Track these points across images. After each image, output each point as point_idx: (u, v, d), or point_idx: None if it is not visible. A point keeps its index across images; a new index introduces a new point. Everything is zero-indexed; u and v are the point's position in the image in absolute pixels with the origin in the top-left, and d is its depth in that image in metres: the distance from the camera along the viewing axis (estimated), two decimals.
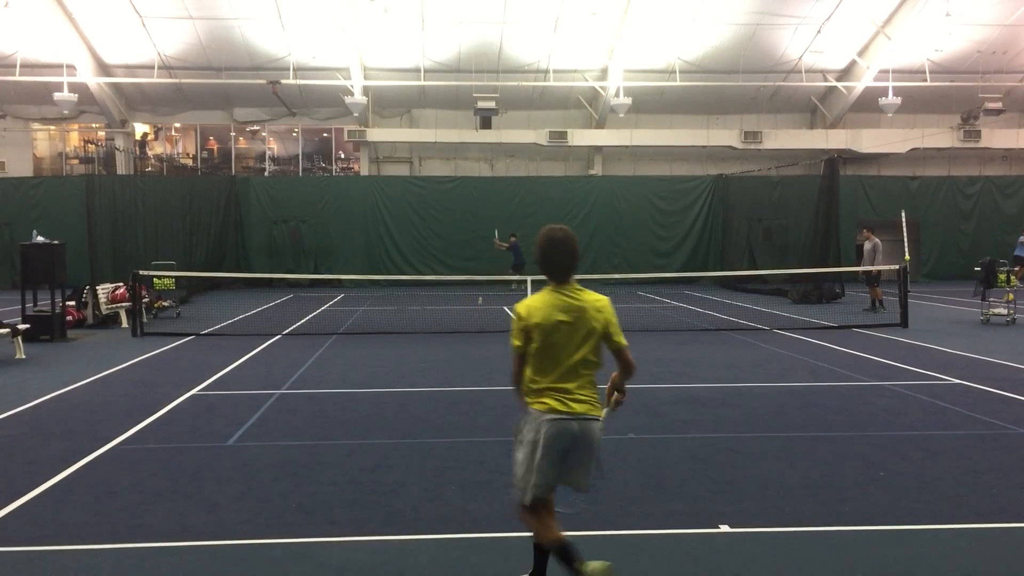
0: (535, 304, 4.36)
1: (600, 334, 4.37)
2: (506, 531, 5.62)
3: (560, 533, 4.41)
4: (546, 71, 30.94)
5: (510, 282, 26.91)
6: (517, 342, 4.38)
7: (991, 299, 18.25)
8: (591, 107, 32.82)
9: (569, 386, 4.32)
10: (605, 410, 4.49)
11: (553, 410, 4.29)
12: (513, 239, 27.78)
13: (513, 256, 27.61)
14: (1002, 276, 18.23)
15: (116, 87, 31.60)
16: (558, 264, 4.40)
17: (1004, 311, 17.78)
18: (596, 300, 4.41)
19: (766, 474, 6.88)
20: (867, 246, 21.46)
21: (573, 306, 4.35)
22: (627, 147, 33.12)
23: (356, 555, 5.21)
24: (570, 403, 4.30)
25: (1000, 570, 4.94)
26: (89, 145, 33.53)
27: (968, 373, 11.52)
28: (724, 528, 5.59)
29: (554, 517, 4.48)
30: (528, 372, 4.39)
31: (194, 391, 10.59)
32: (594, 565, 4.28)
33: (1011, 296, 17.93)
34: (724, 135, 32.93)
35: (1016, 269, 27.93)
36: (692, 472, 6.94)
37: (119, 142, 32.60)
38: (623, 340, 4.44)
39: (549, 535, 4.40)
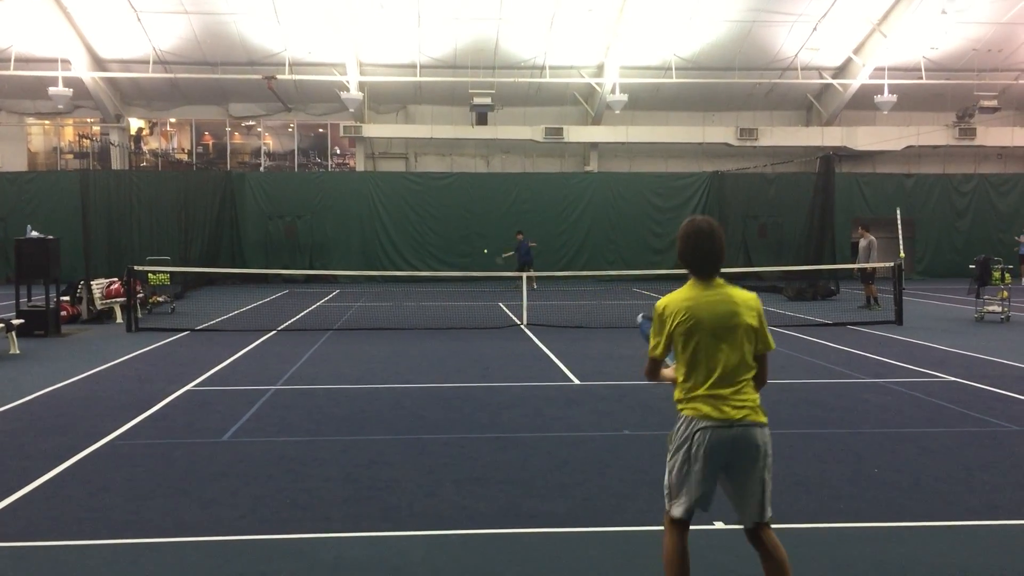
0: (679, 300, 4.05)
1: (754, 334, 4.04)
2: (501, 527, 5.62)
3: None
4: (542, 67, 30.90)
5: (531, 280, 26.49)
6: (655, 340, 4.09)
7: (985, 297, 18.29)
8: (587, 104, 32.79)
9: (725, 391, 3.98)
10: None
11: (707, 416, 3.97)
12: (520, 237, 27.46)
13: (518, 256, 27.16)
14: (996, 274, 18.27)
15: (111, 82, 31.50)
16: (706, 257, 4.05)
17: (998, 309, 17.82)
18: (748, 297, 4.09)
19: None
20: (862, 243, 21.48)
21: (729, 302, 4.05)
22: (623, 144, 33.10)
23: (351, 551, 5.21)
24: (726, 409, 3.95)
25: (995, 567, 4.95)
26: (84, 140, 33.43)
27: (963, 371, 11.54)
28: (719, 525, 5.60)
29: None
30: (677, 376, 4.12)
31: (189, 386, 10.57)
32: None
33: (1005, 294, 17.97)
34: (720, 132, 32.92)
35: None
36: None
37: (114, 137, 32.50)
38: (772, 344, 4.13)
39: (676, 570, 4.02)
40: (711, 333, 3.98)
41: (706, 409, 3.97)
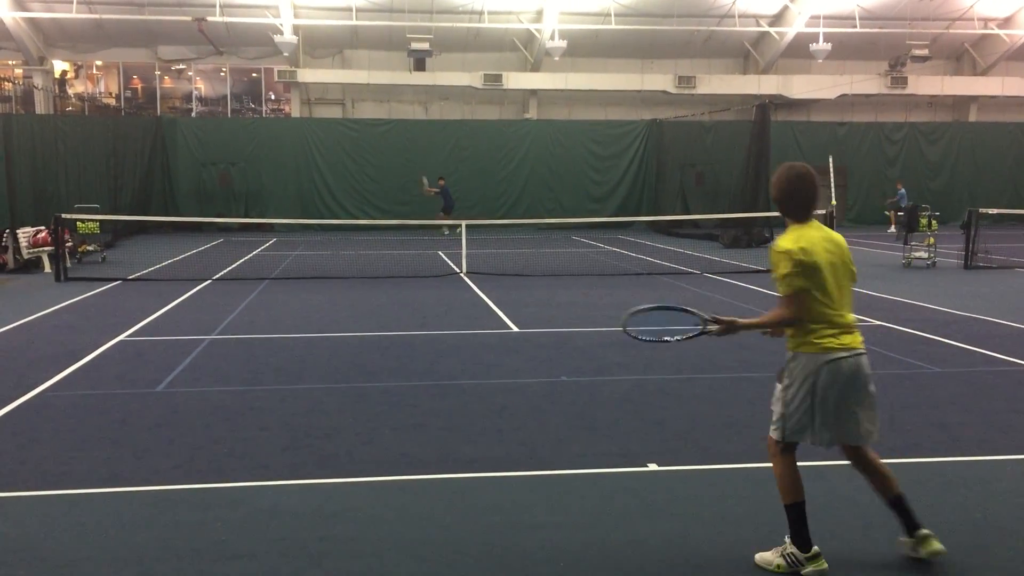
0: (806, 242, 4.20)
1: (850, 269, 4.33)
2: (439, 473, 5.68)
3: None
4: (481, 12, 30.49)
5: (442, 226, 26.84)
6: (800, 282, 4.18)
7: (913, 243, 18.78)
8: (526, 50, 32.52)
9: (847, 322, 4.24)
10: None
11: (838, 348, 4.17)
12: (442, 183, 27.80)
13: (443, 200, 27.63)
14: (923, 221, 18.76)
15: (33, 22, 30.25)
16: (807, 199, 4.30)
17: (925, 255, 18.34)
18: (840, 236, 4.41)
19: (694, 414, 7.06)
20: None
21: (833, 240, 4.32)
22: (562, 91, 32.96)
23: (290, 498, 5.23)
24: (847, 339, 4.20)
25: (913, 502, 5.15)
26: (5, 83, 32.14)
27: (889, 315, 11.89)
28: (652, 467, 5.74)
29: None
30: (795, 314, 4.23)
31: (121, 337, 10.40)
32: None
33: (932, 240, 18.48)
34: (658, 80, 32.95)
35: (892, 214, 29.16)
36: (623, 413, 7.08)
37: (38, 80, 31.33)
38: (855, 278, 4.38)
39: (796, 491, 4.28)
40: (832, 270, 4.21)
41: (838, 343, 4.17)
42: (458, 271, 17.13)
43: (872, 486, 4.46)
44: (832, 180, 22.46)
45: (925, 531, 4.31)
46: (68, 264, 16.64)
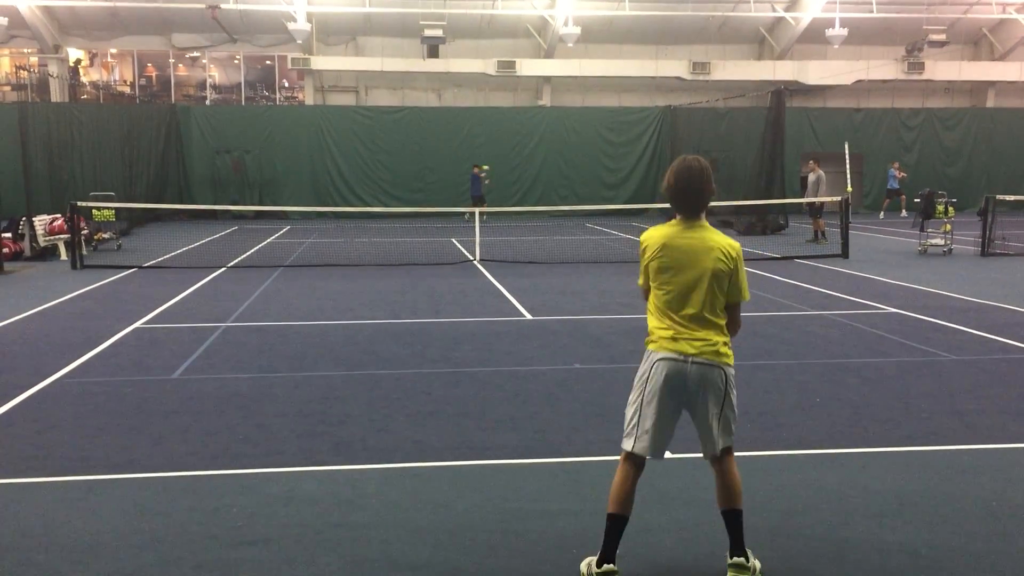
0: (657, 235, 4.04)
1: (726, 280, 3.97)
2: (453, 460, 5.70)
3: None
4: None
5: (462, 213, 26.79)
6: (640, 278, 4.15)
7: (929, 230, 18.67)
8: (540, 36, 32.40)
9: (685, 330, 3.98)
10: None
11: (667, 351, 3.99)
12: (476, 170, 27.85)
13: (472, 187, 27.76)
14: (940, 208, 18.63)
15: (48, 10, 30.35)
16: (688, 196, 3.96)
17: (941, 242, 18.22)
18: (727, 243, 3.99)
19: None
20: (811, 178, 21.72)
21: (702, 244, 3.96)
22: (576, 78, 32.85)
23: (304, 485, 5.26)
24: (684, 345, 3.96)
25: (929, 490, 5.15)
26: (21, 71, 32.29)
27: (905, 302, 11.83)
28: (666, 454, 5.72)
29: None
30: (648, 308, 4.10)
31: (137, 324, 10.46)
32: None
33: (948, 227, 18.35)
34: (673, 66, 32.79)
35: (886, 201, 29.17)
36: None
37: (53, 68, 31.45)
38: (746, 295, 4.07)
39: (619, 503, 4.07)
40: (679, 272, 3.97)
41: (667, 347, 3.98)
42: (472, 258, 17.14)
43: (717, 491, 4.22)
44: (848, 167, 22.30)
45: (740, 561, 4.04)
46: (84, 252, 16.74)
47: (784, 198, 23.85)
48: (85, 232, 17.94)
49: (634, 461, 4.10)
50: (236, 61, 33.70)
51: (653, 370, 4.00)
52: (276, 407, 6.89)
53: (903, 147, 32.96)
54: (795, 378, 7.76)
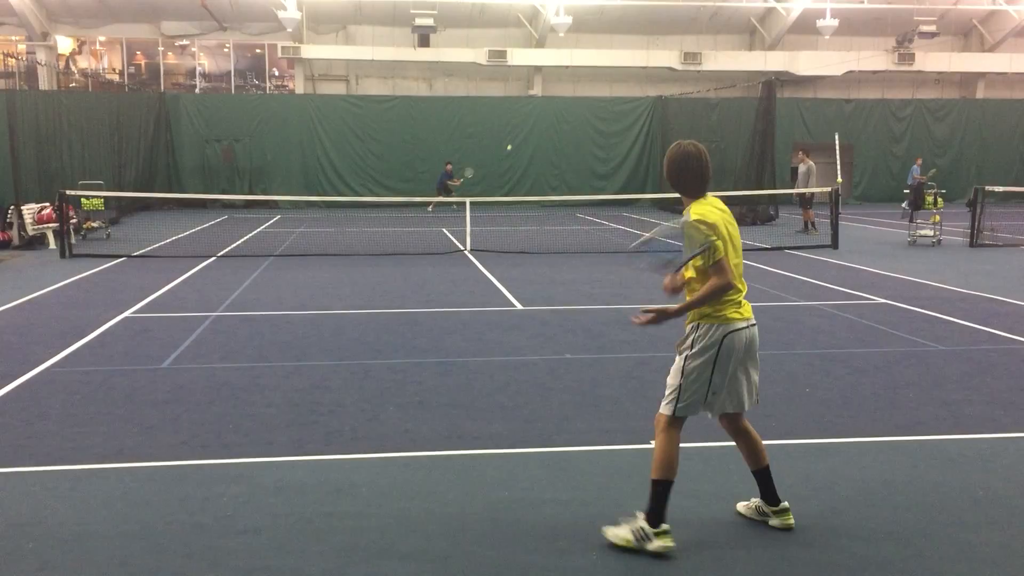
0: (717, 212, 4.27)
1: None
2: (443, 449, 5.71)
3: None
4: None
5: (451, 203, 26.85)
6: (720, 243, 4.15)
7: (918, 221, 18.73)
8: (531, 25, 32.35)
9: (743, 296, 4.34)
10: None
11: (737, 319, 4.27)
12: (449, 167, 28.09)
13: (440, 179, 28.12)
14: (929, 199, 18.70)
15: None
16: (703, 176, 4.33)
17: (930, 232, 18.29)
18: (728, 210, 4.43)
19: None
20: (801, 168, 21.76)
21: (728, 212, 4.39)
22: (567, 67, 32.82)
23: (294, 474, 5.26)
24: (747, 311, 4.34)
25: (917, 479, 5.19)
26: (9, 59, 32.07)
27: (894, 293, 11.88)
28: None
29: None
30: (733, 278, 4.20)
31: (127, 313, 10.42)
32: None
33: (937, 218, 18.42)
34: (664, 56, 32.78)
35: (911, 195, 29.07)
36: (626, 391, 7.09)
37: (41, 56, 31.25)
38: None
39: (670, 468, 4.26)
40: (731, 241, 4.28)
41: (735, 314, 4.26)
42: (462, 248, 17.13)
43: (742, 453, 4.54)
44: (838, 157, 22.35)
45: (785, 504, 4.47)
46: (73, 241, 16.67)
47: (775, 189, 23.89)
48: (74, 221, 17.86)
49: (680, 425, 4.35)
50: (226, 49, 33.55)
51: (725, 343, 4.23)
52: (266, 397, 6.88)
53: (893, 138, 33.05)
54: (785, 368, 7.79)
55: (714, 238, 4.09)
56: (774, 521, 4.46)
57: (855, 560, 4.16)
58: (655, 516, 4.21)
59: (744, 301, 4.31)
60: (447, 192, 27.53)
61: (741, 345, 4.27)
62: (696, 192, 4.34)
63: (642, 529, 4.20)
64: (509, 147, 29.25)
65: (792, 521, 4.45)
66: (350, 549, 4.27)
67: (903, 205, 28.34)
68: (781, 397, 6.88)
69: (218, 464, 5.43)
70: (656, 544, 4.17)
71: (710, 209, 4.24)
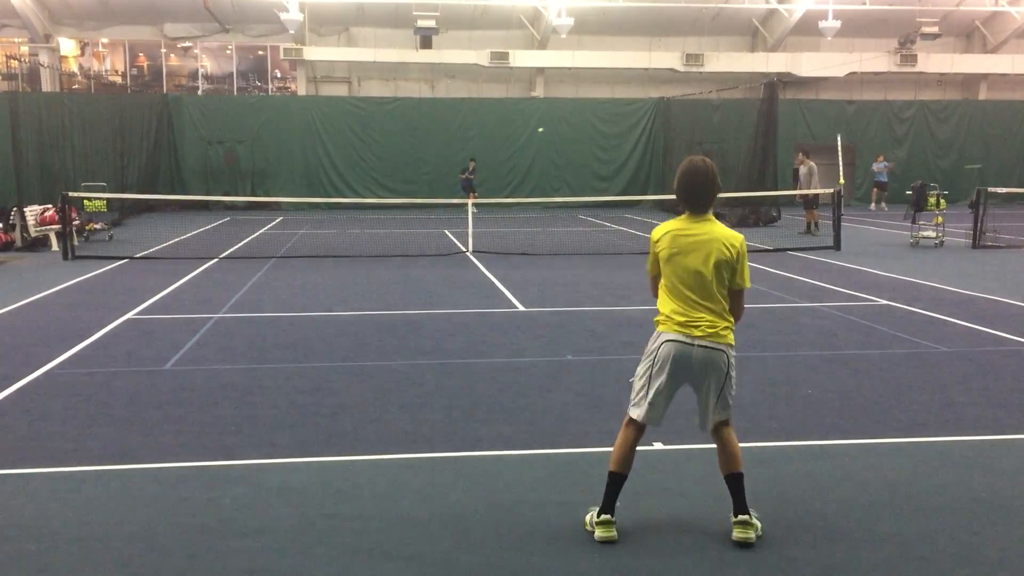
0: (665, 228, 4.44)
1: (730, 269, 4.35)
2: (445, 451, 5.71)
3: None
4: None
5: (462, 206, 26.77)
6: (648, 266, 4.53)
7: (920, 222, 18.71)
8: (533, 27, 32.36)
9: (691, 315, 4.33)
10: None
11: (675, 333, 4.34)
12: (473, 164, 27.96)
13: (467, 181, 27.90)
14: (932, 200, 18.68)
15: None
16: (694, 193, 4.38)
17: (933, 234, 18.27)
18: (730, 235, 4.40)
19: None
20: (803, 170, 21.74)
21: (706, 237, 4.34)
22: (569, 69, 32.83)
23: (297, 476, 5.26)
24: (690, 330, 4.30)
25: (920, 481, 5.18)
26: (12, 61, 32.14)
27: (896, 294, 11.87)
28: (658, 446, 5.75)
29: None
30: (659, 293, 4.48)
31: (129, 315, 10.44)
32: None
33: (940, 219, 18.40)
34: (666, 57, 32.79)
35: (874, 191, 29.40)
36: (628, 392, 7.06)
37: (43, 58, 31.30)
38: (747, 282, 4.43)
39: (619, 461, 4.47)
40: (686, 261, 4.32)
41: (674, 328, 4.33)
42: (464, 250, 17.13)
43: (719, 458, 4.53)
44: (840, 159, 22.33)
45: (744, 517, 4.33)
46: (75, 242, 16.69)
47: (776, 190, 23.87)
48: (77, 223, 17.88)
49: (636, 426, 4.47)
50: (228, 51, 33.59)
51: (661, 349, 4.36)
52: (268, 398, 6.88)
53: (895, 139, 33.02)
54: (786, 370, 7.78)
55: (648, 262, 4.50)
56: (734, 530, 4.32)
57: (857, 562, 4.16)
58: (604, 505, 4.40)
59: (689, 322, 4.30)
60: (472, 191, 27.34)
61: (682, 359, 4.30)
62: (687, 207, 4.44)
63: (591, 515, 4.42)
64: (541, 129, 29.25)
65: (749, 535, 4.27)
66: (352, 551, 4.27)
67: (872, 206, 28.62)
68: (783, 399, 6.88)
69: (220, 466, 5.44)
70: (597, 532, 4.35)
71: (667, 227, 4.44)
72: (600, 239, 19.90)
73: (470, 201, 23.99)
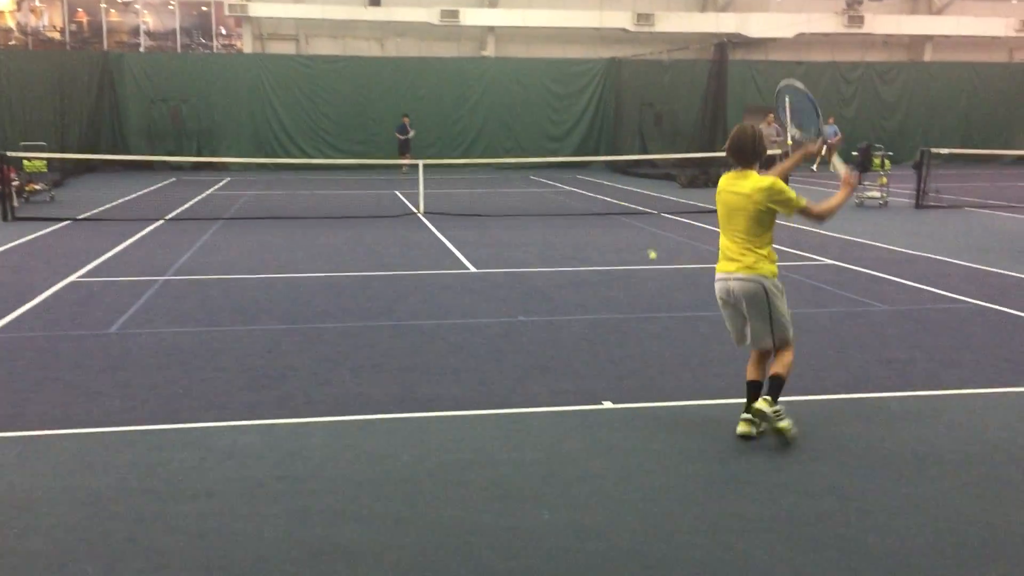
0: (721, 180, 5.36)
1: (767, 210, 5.16)
2: (397, 412, 5.72)
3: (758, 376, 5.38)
4: None
5: (400, 166, 26.66)
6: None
7: (866, 183, 19.00)
8: None
9: (732, 252, 5.28)
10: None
11: (721, 270, 5.33)
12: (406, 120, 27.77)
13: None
14: (877, 161, 18.97)
15: None
16: (736, 152, 5.25)
17: (877, 194, 18.58)
18: (759, 181, 5.16)
19: (648, 353, 7.16)
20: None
21: (744, 185, 5.18)
22: (520, 28, 32.56)
23: (246, 438, 5.24)
24: (728, 265, 5.28)
25: (861, 437, 5.32)
26: None
27: (841, 254, 12.08)
28: (607, 404, 5.83)
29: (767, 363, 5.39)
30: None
31: (72, 278, 10.23)
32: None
33: (884, 180, 18.71)
34: (617, 17, 32.65)
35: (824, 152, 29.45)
36: (579, 352, 7.15)
37: None
38: (795, 204, 5.20)
39: (752, 374, 5.39)
40: (727, 208, 5.28)
41: (720, 268, 5.34)
42: (415, 211, 17.04)
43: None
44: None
45: (756, 406, 5.17)
46: (15, 203, 16.26)
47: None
48: (16, 183, 17.40)
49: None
50: (171, 7, 32.72)
51: (714, 287, 5.40)
52: (217, 361, 6.82)
53: (842, 100, 33.33)
54: None
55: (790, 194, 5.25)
56: (754, 417, 5.21)
57: (798, 513, 4.27)
58: (747, 404, 5.32)
59: (728, 258, 5.27)
60: (407, 149, 27.30)
61: (722, 291, 5.31)
62: (734, 162, 5.29)
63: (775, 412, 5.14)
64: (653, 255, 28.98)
65: (749, 431, 5.19)
66: (303, 512, 4.28)
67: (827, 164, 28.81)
68: (728, 357, 6.98)
69: (169, 429, 5.39)
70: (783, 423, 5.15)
71: (722, 179, 5.37)
72: (552, 200, 19.91)
73: (404, 162, 23.99)
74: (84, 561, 3.82)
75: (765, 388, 5.23)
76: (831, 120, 29.47)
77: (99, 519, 4.19)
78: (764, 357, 5.35)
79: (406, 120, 27.92)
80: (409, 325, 8.06)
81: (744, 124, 5.39)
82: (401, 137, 27.77)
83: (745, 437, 5.16)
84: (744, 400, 5.35)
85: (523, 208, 17.98)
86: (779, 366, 5.26)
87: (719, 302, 5.37)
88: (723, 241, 5.32)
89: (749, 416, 5.21)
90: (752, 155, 5.25)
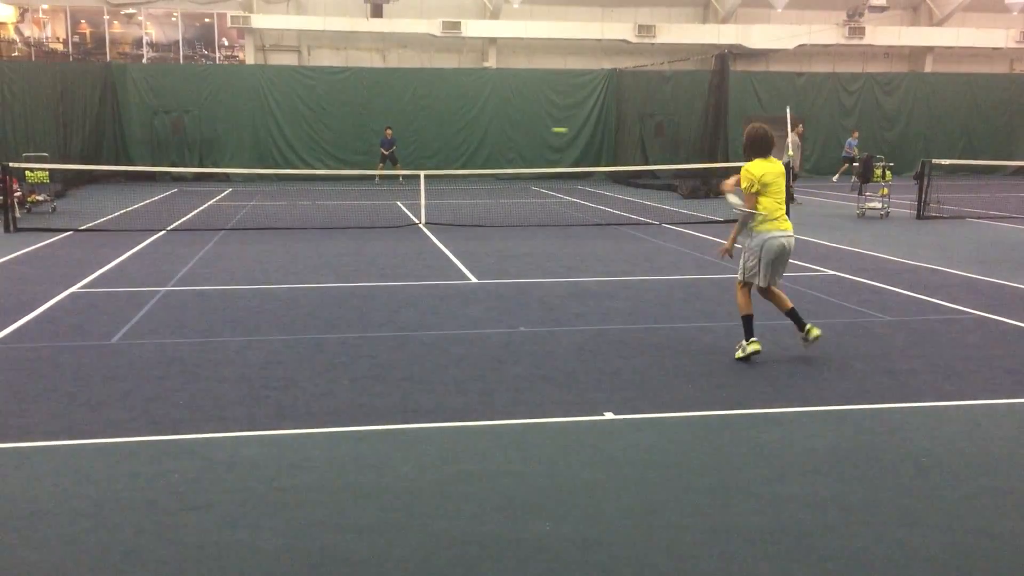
0: (763, 166, 7.07)
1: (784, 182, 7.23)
2: (397, 423, 5.71)
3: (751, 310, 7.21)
4: None
5: (396, 176, 26.85)
6: (753, 186, 7.05)
7: (867, 193, 19.02)
8: None
9: (783, 214, 7.20)
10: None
11: (779, 229, 7.14)
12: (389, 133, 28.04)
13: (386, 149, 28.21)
14: (878, 171, 18.98)
15: None
16: (766, 146, 7.13)
17: (879, 205, 18.58)
18: (780, 164, 7.19)
19: (650, 363, 7.15)
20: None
21: (778, 167, 7.18)
22: (522, 39, 32.65)
23: (247, 449, 5.23)
24: (786, 224, 7.21)
25: (863, 447, 5.31)
26: None
27: (842, 264, 12.08)
28: (608, 415, 5.82)
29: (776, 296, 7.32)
30: (758, 209, 7.08)
31: (74, 288, 10.24)
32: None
33: (886, 191, 18.72)
34: (618, 28, 32.75)
35: (845, 167, 29.63)
36: (580, 363, 7.15)
37: None
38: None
39: (748, 308, 7.24)
40: (777, 183, 7.10)
41: (779, 227, 7.12)
42: (417, 222, 17.05)
43: (775, 305, 7.37)
44: (790, 130, 22.56)
45: (808, 325, 7.24)
46: (17, 214, 16.28)
47: (728, 162, 24.04)
48: (18, 194, 17.43)
49: (749, 287, 7.28)
50: (173, 18, 32.85)
51: (773, 243, 7.09)
52: (218, 372, 6.82)
53: (843, 111, 33.41)
54: (735, 340, 7.87)
55: (749, 186, 7.10)
56: (808, 337, 7.23)
57: (801, 527, 4.26)
58: (747, 333, 7.19)
59: (784, 219, 7.20)
60: (393, 162, 27.53)
61: (785, 245, 7.14)
62: (763, 154, 7.13)
63: (742, 344, 7.18)
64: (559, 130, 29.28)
65: (817, 332, 7.22)
66: (304, 523, 4.27)
67: (851, 177, 28.80)
68: (731, 368, 6.98)
69: (169, 440, 5.39)
70: (749, 347, 7.10)
71: (761, 165, 7.09)
72: (553, 211, 19.93)
73: (377, 173, 24.16)
74: (84, 573, 3.81)
75: (797, 320, 7.25)
76: (855, 134, 29.27)
77: (99, 530, 4.18)
78: (749, 290, 7.25)
79: (389, 132, 28.10)
80: (410, 336, 8.06)
81: (755, 123, 7.29)
82: (385, 152, 27.99)
83: (756, 353, 7.07)
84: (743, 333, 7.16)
85: (524, 219, 18.00)
86: (788, 300, 7.30)
87: (772, 254, 7.06)
88: (772, 204, 7.04)
89: (756, 339, 7.14)
90: (772, 145, 7.16)
